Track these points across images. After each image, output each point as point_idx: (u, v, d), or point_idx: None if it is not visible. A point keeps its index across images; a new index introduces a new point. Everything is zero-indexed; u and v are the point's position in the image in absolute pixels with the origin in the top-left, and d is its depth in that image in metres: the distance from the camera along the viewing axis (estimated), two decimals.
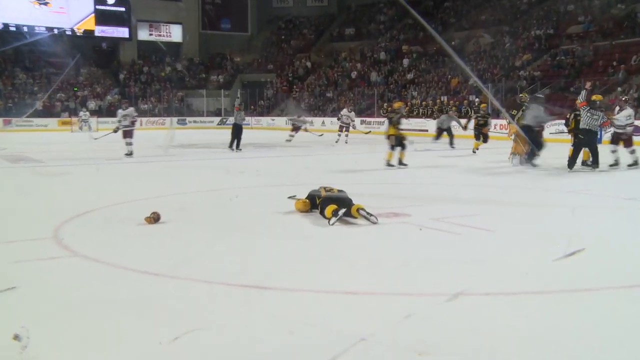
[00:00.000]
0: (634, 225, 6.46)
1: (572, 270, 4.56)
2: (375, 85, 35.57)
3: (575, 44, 28.43)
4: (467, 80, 30.05)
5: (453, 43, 33.35)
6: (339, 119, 21.58)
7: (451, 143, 17.96)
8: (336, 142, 20.17)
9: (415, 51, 36.73)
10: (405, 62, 36.35)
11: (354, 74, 38.47)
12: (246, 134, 18.07)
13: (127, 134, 15.24)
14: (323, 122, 31.04)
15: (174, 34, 45.63)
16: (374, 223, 6.08)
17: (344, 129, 20.93)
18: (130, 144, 15.12)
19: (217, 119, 38.78)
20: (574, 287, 4.14)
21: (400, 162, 12.60)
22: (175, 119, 37.37)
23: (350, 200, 6.43)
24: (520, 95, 13.92)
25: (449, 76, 32.14)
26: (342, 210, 6.15)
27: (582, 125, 11.26)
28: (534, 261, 4.83)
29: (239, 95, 18.36)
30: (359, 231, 5.94)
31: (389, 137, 12.74)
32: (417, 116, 28.64)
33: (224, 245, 5.48)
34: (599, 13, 29.65)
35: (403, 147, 12.69)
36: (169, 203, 7.52)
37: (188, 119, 38.46)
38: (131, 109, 15.75)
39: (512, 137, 13.27)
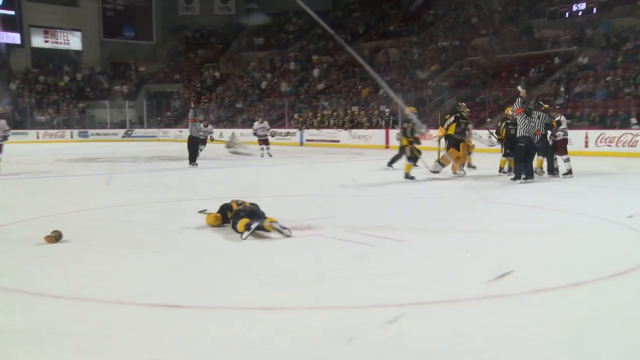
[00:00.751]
0: (539, 234, 6.47)
1: (482, 278, 4.60)
2: (285, 95, 35.30)
3: (479, 55, 29.53)
4: (378, 91, 30.42)
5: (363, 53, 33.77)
6: (255, 134, 20.69)
7: (394, 161, 13.83)
8: (262, 156, 19.43)
9: (325, 61, 36.85)
10: (316, 72, 36.37)
11: (263, 84, 38.05)
12: (153, 147, 17.08)
13: None
14: (233, 134, 30.25)
15: (73, 41, 43.28)
16: (288, 236, 6.01)
17: (263, 142, 20.17)
18: None
19: (122, 131, 37.30)
20: (485, 295, 4.21)
21: (407, 175, 11.66)
22: (75, 132, 35.40)
23: (263, 214, 6.38)
24: (460, 103, 13.58)
25: (359, 86, 32.42)
26: (255, 224, 6.06)
27: (521, 133, 11.13)
28: (446, 270, 4.85)
29: (192, 106, 17.21)
30: (272, 245, 5.84)
31: (403, 148, 11.95)
32: (328, 127, 28.59)
33: (133, 264, 5.17)
34: (500, 27, 31.01)
35: (415, 159, 11.77)
36: (72, 220, 7.13)
37: (90, 131, 36.53)
38: (2, 122, 14.41)
39: (436, 139, 13.13)
